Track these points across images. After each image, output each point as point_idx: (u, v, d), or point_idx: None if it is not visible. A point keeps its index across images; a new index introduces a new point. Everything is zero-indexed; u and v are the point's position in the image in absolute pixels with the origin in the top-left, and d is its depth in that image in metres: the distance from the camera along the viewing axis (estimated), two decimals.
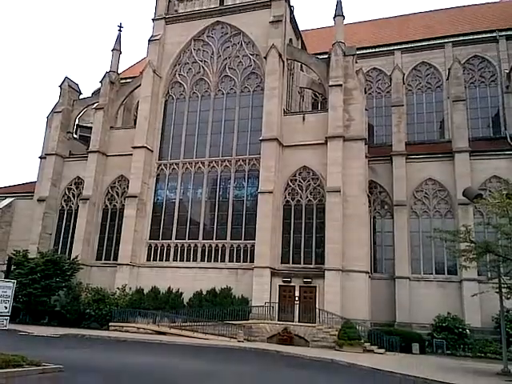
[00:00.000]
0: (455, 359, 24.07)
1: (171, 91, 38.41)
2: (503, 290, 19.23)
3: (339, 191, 29.74)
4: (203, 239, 33.42)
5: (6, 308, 6.99)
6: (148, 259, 34.47)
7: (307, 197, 31.73)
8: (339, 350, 23.95)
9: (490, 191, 29.12)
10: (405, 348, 25.41)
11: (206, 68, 37.55)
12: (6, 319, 7.07)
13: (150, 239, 34.90)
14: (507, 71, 35.52)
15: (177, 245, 34.04)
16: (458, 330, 26.85)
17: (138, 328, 29.00)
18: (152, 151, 36.59)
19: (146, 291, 32.27)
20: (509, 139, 32.76)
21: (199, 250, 33.25)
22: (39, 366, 12.42)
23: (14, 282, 7.26)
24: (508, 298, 19.18)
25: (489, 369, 19.33)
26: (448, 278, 30.54)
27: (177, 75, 38.46)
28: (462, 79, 34.51)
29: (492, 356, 24.94)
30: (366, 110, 34.31)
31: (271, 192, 31.00)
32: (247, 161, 34.17)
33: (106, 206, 37.34)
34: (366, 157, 32.24)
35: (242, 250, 32.14)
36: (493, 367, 19.40)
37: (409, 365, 19.20)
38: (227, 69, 36.86)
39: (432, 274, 31.14)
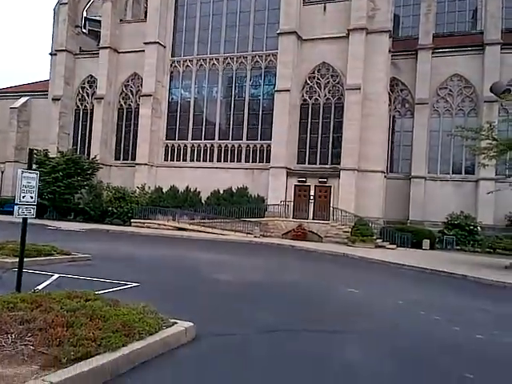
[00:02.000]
0: (464, 254, 24.95)
1: None
2: None
3: (359, 89, 28.61)
4: (219, 139, 33.40)
5: (32, 198, 7.20)
6: (165, 159, 34.96)
7: (325, 95, 30.72)
8: (352, 246, 24.92)
9: None
10: (416, 244, 26.27)
11: None
12: (33, 208, 7.32)
13: (166, 139, 35.03)
14: None
15: (193, 145, 34.19)
16: (468, 227, 27.41)
17: (159, 224, 30.39)
18: (165, 47, 35.09)
19: (164, 190, 33.22)
20: None
21: (215, 150, 33.41)
22: (69, 254, 13.30)
23: (37, 173, 7.38)
24: None
25: (497, 263, 20.02)
26: (465, 177, 30.43)
27: None
28: None
29: (501, 252, 25.65)
30: None
31: (288, 90, 30.02)
32: (264, 57, 32.68)
33: (121, 105, 36.99)
34: (390, 51, 30.39)
35: (258, 151, 32.20)
36: (501, 262, 20.06)
37: (418, 258, 20.00)
38: None
39: (449, 173, 31.02)
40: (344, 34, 29.45)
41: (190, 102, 34.80)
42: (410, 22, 36.32)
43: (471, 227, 27.40)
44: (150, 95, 34.15)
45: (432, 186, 30.73)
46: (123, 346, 4.90)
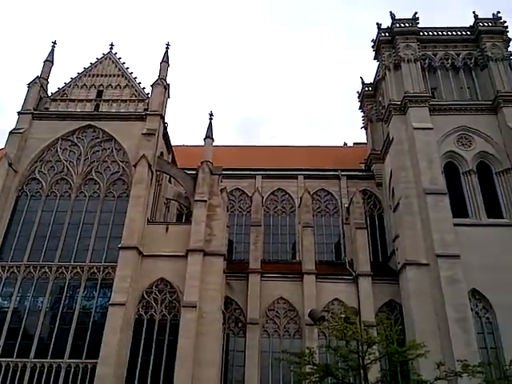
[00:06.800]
0: None
1: (26, 187, 35.56)
2: None
3: (195, 306, 29.27)
4: (35, 358, 28.77)
5: None
6: None
7: (162, 311, 30.42)
8: None
9: (332, 313, 31.63)
10: None
11: (70, 168, 36.15)
12: None
13: None
14: (346, 205, 41.17)
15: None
16: None
17: None
18: None
19: None
20: (347, 265, 36.82)
21: (27, 372, 28.28)
22: None
23: None
24: None
25: None
26: None
27: (36, 171, 36.09)
28: (310, 208, 39.02)
29: None
30: (227, 226, 35.97)
31: (123, 304, 29.03)
32: (102, 268, 32.05)
33: None
34: (224, 272, 32.96)
35: (80, 373, 28.24)
36: None
37: None
38: (93, 172, 36.03)
39: None
40: (183, 254, 31.38)
41: (7, 312, 30.52)
42: (242, 248, 40.85)
43: None
44: None
45: None
46: None
